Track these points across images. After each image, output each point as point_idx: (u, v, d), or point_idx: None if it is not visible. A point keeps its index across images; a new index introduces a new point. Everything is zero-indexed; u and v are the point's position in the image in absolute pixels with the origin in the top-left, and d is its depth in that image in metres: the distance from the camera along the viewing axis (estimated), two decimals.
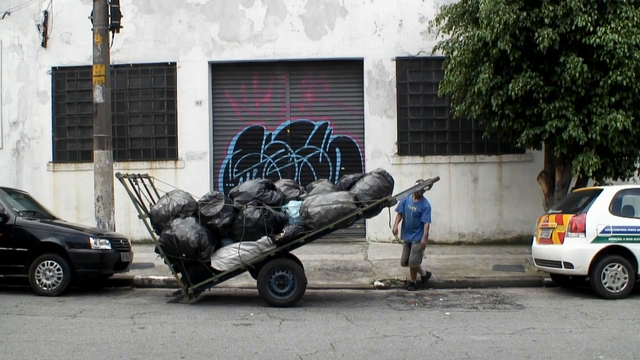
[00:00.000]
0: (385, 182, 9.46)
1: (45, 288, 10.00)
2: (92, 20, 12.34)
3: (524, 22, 10.78)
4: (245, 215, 9.16)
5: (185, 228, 9.07)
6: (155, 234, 9.56)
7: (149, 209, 9.81)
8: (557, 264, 10.10)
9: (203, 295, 10.35)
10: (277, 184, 9.95)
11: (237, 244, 9.12)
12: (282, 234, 9.10)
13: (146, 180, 10.13)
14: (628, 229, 9.75)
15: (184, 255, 9.05)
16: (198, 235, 9.01)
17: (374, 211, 9.64)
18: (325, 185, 9.79)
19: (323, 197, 9.21)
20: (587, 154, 10.89)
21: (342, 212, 9.10)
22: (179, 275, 9.46)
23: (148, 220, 9.69)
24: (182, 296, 9.53)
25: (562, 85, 10.95)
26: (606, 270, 9.70)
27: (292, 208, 9.37)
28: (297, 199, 9.60)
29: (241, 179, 15.10)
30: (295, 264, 9.55)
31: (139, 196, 9.85)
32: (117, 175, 9.75)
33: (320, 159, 15.45)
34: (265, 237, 9.11)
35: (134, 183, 9.82)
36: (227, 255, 9.15)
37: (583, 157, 10.93)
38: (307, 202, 9.22)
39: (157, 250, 9.42)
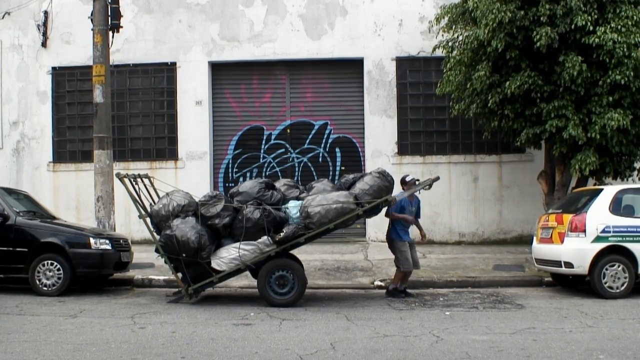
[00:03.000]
0: (385, 181, 9.45)
1: (45, 288, 10.00)
2: (92, 20, 12.34)
3: (522, 21, 10.78)
4: (245, 215, 9.15)
5: (186, 228, 9.07)
6: (155, 233, 9.55)
7: (149, 209, 9.80)
8: (557, 263, 10.10)
9: (203, 295, 10.34)
10: (277, 184, 9.95)
11: (237, 244, 9.11)
12: (282, 234, 9.09)
13: (146, 180, 10.12)
14: (628, 229, 9.75)
15: (184, 255, 9.05)
16: (198, 235, 9.01)
17: (374, 211, 9.63)
18: (325, 185, 9.79)
19: (323, 197, 9.20)
20: (586, 153, 10.89)
21: (342, 211, 9.09)
22: (179, 275, 9.46)
23: (148, 220, 9.68)
24: (182, 296, 9.53)
25: (561, 85, 10.95)
26: (606, 269, 9.69)
27: (292, 208, 9.36)
28: (297, 198, 9.59)
29: (241, 179, 15.10)
30: (296, 264, 9.54)
31: (139, 196, 9.85)
32: (117, 175, 9.74)
33: (320, 159, 15.45)
34: (265, 237, 9.11)
35: (134, 183, 9.82)
36: (227, 255, 9.14)
37: (582, 156, 10.93)
38: (307, 202, 9.21)
39: (157, 250, 9.42)
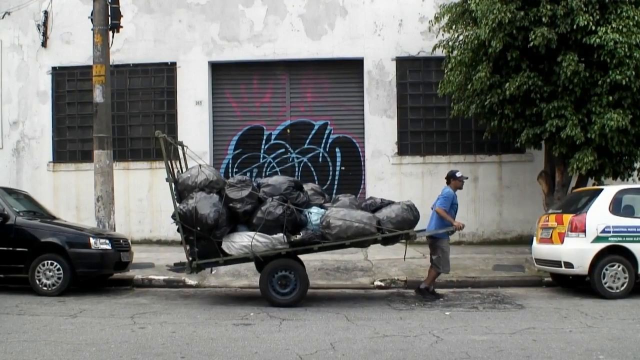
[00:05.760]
0: (411, 215, 9.38)
1: (45, 288, 10.00)
2: (92, 20, 12.34)
3: (522, 22, 10.79)
4: (268, 208, 9.13)
5: (207, 203, 9.05)
6: (177, 200, 9.51)
7: (177, 176, 9.77)
8: (557, 263, 10.10)
9: (203, 294, 10.36)
10: (305, 187, 9.95)
11: (252, 233, 9.11)
12: (298, 237, 9.10)
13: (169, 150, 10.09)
14: (628, 229, 9.75)
15: (198, 228, 9.06)
16: (217, 214, 9.00)
17: (393, 240, 9.58)
18: (351, 200, 9.79)
19: (347, 213, 9.19)
20: (584, 152, 10.89)
21: (362, 232, 9.07)
22: (188, 247, 9.45)
23: (174, 185, 9.61)
24: (184, 268, 9.56)
25: (560, 85, 10.94)
26: (606, 270, 9.69)
27: (314, 214, 9.35)
28: (321, 206, 9.60)
29: None
30: (299, 266, 9.51)
31: (171, 160, 9.77)
32: (157, 134, 9.63)
33: (320, 159, 15.45)
34: (281, 234, 9.10)
35: (168, 146, 9.75)
36: (240, 241, 9.15)
37: (579, 155, 10.93)
38: (331, 212, 9.21)
39: (173, 217, 9.43)
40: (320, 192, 10.15)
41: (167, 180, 9.62)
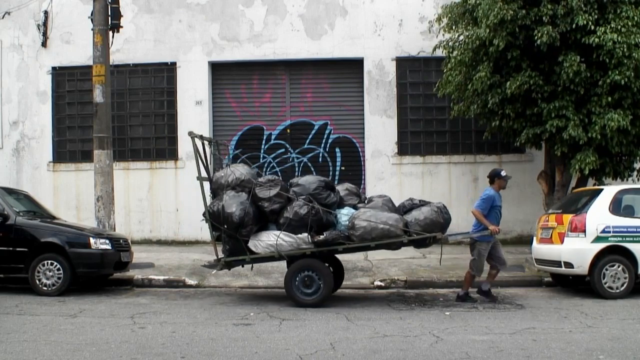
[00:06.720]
0: (441, 217, 9.20)
1: (45, 288, 10.00)
2: (92, 20, 12.34)
3: (523, 20, 10.79)
4: (293, 208, 9.15)
5: (234, 202, 9.10)
6: (209, 199, 9.57)
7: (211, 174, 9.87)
8: (557, 263, 10.10)
9: (203, 294, 10.35)
10: (339, 187, 9.91)
11: (278, 232, 9.15)
12: (322, 237, 9.08)
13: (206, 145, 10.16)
14: (628, 229, 9.75)
15: (225, 227, 9.12)
16: (243, 213, 9.03)
17: (422, 243, 9.39)
18: (385, 202, 9.64)
19: (373, 214, 9.09)
20: (586, 153, 10.90)
21: (387, 234, 8.96)
22: (220, 245, 9.50)
23: (207, 184, 9.69)
24: (214, 265, 9.67)
25: (561, 85, 10.95)
26: (606, 270, 9.69)
27: (344, 215, 9.32)
28: (354, 207, 9.56)
29: None
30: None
31: (206, 159, 9.77)
32: (190, 134, 9.68)
33: (320, 159, 15.45)
34: (305, 234, 9.09)
35: (204, 144, 9.83)
36: (266, 240, 9.18)
37: (581, 155, 10.93)
38: (358, 213, 9.15)
39: (204, 215, 9.48)
40: (355, 192, 10.04)
41: (197, 179, 9.71)
